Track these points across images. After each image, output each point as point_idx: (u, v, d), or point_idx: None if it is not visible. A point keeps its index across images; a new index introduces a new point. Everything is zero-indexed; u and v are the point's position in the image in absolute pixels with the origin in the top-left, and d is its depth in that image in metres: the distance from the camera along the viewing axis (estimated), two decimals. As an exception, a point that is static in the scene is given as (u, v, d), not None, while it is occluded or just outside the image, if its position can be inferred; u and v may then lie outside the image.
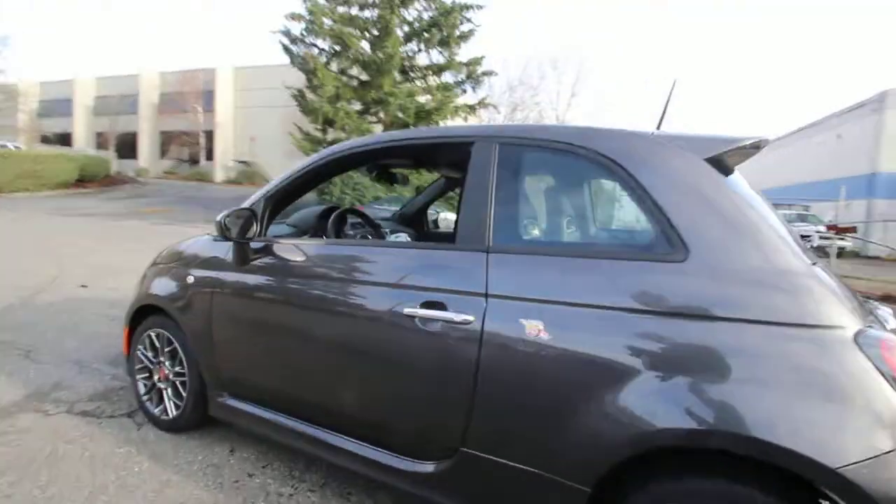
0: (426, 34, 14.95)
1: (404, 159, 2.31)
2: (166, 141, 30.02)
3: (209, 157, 28.64)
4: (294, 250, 1.81)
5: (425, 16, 14.85)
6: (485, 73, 15.14)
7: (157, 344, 2.22)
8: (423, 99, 15.12)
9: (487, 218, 1.47)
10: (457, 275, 1.46)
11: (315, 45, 15.24)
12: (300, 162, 1.94)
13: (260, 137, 26.61)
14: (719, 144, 1.30)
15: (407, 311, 1.47)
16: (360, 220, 2.53)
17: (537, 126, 1.56)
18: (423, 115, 14.05)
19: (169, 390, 2.18)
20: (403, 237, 2.93)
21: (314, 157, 1.90)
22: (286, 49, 15.21)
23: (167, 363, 2.18)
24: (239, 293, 1.90)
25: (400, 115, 14.43)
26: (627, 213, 1.46)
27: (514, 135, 1.55)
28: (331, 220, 2.16)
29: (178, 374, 2.15)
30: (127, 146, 29.46)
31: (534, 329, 1.30)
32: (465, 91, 15.43)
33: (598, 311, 1.25)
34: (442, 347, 1.42)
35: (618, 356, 1.20)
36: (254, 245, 1.87)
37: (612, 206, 1.53)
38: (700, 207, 1.24)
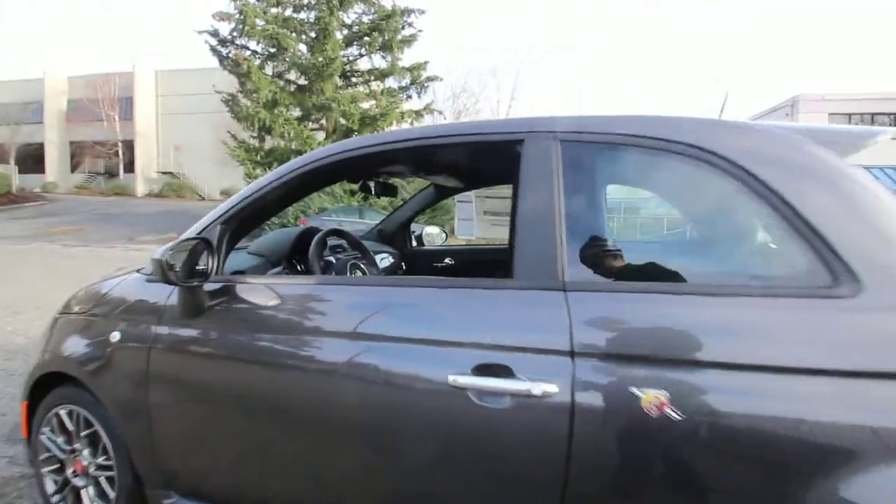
0: (367, 38, 14.45)
1: (410, 165, 1.84)
2: (78, 152, 27.15)
3: (129, 169, 26.19)
4: (267, 293, 1.32)
5: (365, 19, 14.34)
6: (429, 79, 14.85)
7: (69, 426, 1.61)
8: (367, 105, 14.59)
9: (558, 242, 1.07)
10: (523, 324, 1.05)
11: (247, 47, 14.25)
12: (265, 176, 1.45)
13: (187, 146, 24.69)
14: (867, 139, 0.98)
15: (453, 379, 1.03)
16: (341, 241, 2.05)
17: (616, 117, 1.17)
18: (367, 121, 13.51)
19: (90, 489, 1.59)
20: (387, 260, 2.47)
21: (288, 166, 1.41)
22: (214, 51, 14.12)
23: (85, 452, 1.59)
24: (188, 354, 1.38)
25: (343, 121, 13.82)
26: (751, 233, 1.09)
27: (584, 129, 1.16)
28: (314, 247, 1.67)
29: (102, 467, 1.56)
30: (31, 159, 26.36)
31: (654, 403, 0.90)
32: (409, 97, 15.06)
33: (749, 374, 0.88)
34: (511, 433, 0.99)
35: (787, 440, 0.83)
36: (209, 287, 1.35)
37: (726, 224, 1.14)
38: (867, 225, 0.91)
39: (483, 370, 1.03)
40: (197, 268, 1.31)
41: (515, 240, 1.15)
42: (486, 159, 1.69)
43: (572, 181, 1.14)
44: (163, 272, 1.21)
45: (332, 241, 2.00)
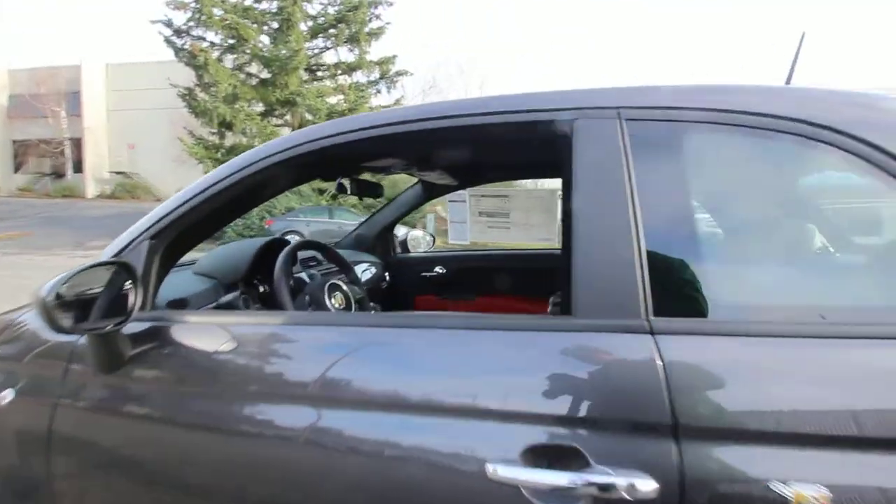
0: (333, 30, 13.87)
1: (408, 155, 1.47)
2: (21, 152, 25.25)
3: (78, 168, 24.54)
4: (216, 335, 0.96)
5: (331, 10, 13.76)
6: (399, 73, 14.41)
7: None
8: (334, 99, 14.03)
9: (636, 262, 0.76)
10: (595, 384, 0.73)
11: (204, 38, 13.44)
12: (215, 171, 1.08)
13: (142, 144, 23.33)
14: None
15: (493, 469, 0.70)
16: (314, 253, 1.68)
17: (707, 87, 0.87)
18: (335, 116, 12.94)
19: None
20: (370, 271, 2.10)
21: (245, 158, 1.04)
22: (169, 42, 13.24)
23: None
24: (105, 419, 1.01)
25: (309, 116, 13.23)
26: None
27: (659, 103, 0.84)
28: (281, 264, 1.30)
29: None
30: (-34, 159, 24.35)
31: (813, 509, 0.60)
32: (378, 91, 14.58)
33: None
34: None
35: None
36: (132, 329, 0.97)
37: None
38: None
39: (538, 455, 0.70)
40: (112, 306, 0.92)
41: (572, 259, 0.82)
42: (514, 147, 1.36)
43: (649, 176, 0.82)
44: (49, 318, 0.82)
45: (303, 254, 1.63)
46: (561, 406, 0.73)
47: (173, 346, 0.98)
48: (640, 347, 0.73)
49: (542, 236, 2.23)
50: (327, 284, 1.37)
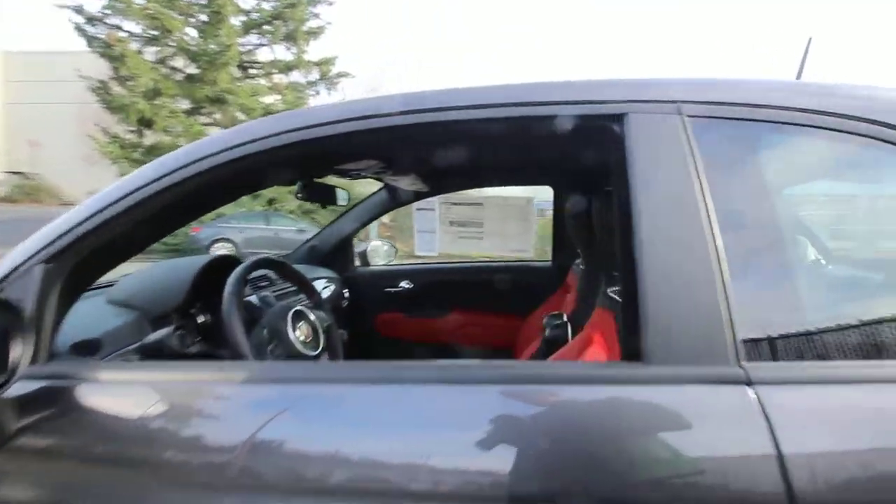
0: (268, 27, 13.18)
1: (398, 155, 1.23)
2: None
3: (-35, 167, 21.49)
4: (146, 396, 0.69)
5: (266, 6, 13.06)
6: (340, 75, 13.95)
7: None
8: (270, 99, 13.32)
9: (719, 294, 0.60)
10: (677, 454, 0.57)
11: (120, 28, 12.24)
12: (139, 173, 0.80)
13: (46, 141, 20.90)
14: None
15: None
16: (269, 272, 1.40)
17: (786, 84, 0.74)
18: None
19: None
20: (328, 289, 1.84)
21: (181, 156, 0.78)
22: (80, 30, 11.93)
23: None
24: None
25: (242, 116, 12.43)
26: None
27: (728, 98, 0.70)
28: (232, 287, 1.02)
29: None
30: None
31: None
32: (318, 93, 14.02)
33: None
34: None
35: None
36: (19, 392, 0.69)
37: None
38: None
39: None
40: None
41: (640, 289, 0.64)
42: (525, 147, 1.17)
43: (724, 187, 0.67)
44: None
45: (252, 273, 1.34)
46: (633, 487, 0.55)
47: (78, 415, 0.70)
48: (736, 402, 0.57)
49: (517, 247, 2.08)
50: (290, 312, 1.11)
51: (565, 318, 1.39)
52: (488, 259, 2.22)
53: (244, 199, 12.16)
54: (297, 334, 1.10)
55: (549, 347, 1.32)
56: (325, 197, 1.56)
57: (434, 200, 2.04)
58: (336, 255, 2.10)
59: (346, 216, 2.09)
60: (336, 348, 1.29)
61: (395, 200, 1.98)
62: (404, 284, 2.11)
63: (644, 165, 0.69)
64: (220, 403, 0.70)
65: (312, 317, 1.18)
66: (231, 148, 0.78)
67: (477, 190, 2.11)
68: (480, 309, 2.09)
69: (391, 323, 2.15)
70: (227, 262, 1.24)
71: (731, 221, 0.66)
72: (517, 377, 0.66)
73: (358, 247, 2.30)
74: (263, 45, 13.62)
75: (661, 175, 0.68)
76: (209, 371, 0.75)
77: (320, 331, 1.19)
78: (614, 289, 1.08)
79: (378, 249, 2.31)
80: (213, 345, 1.07)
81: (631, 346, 0.66)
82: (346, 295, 2.05)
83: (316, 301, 1.33)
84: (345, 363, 0.78)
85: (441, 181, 1.80)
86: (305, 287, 1.34)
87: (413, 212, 2.10)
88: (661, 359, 0.62)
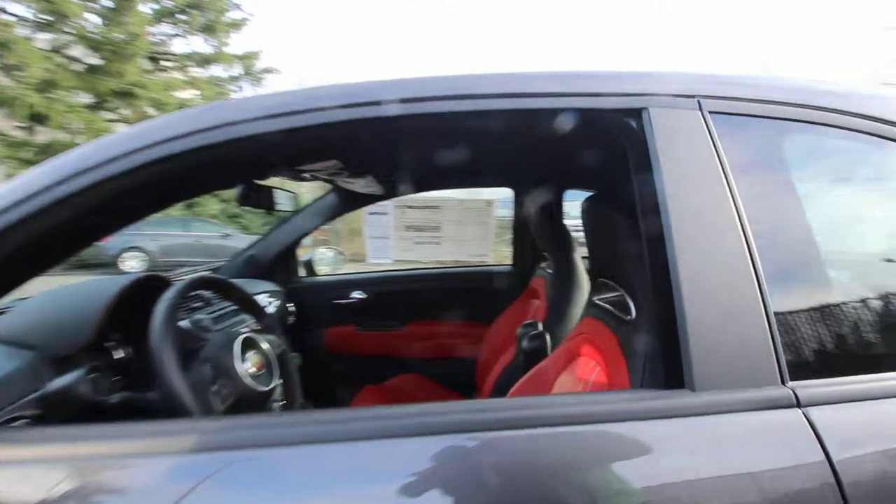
0: (184, 16, 12.19)
1: (371, 152, 1.06)
2: None
3: None
4: (47, 475, 0.50)
5: (180, -7, 12.06)
6: (266, 70, 13.22)
7: None
8: (186, 94, 12.32)
9: (760, 307, 0.54)
10: (732, 490, 0.50)
11: (4, 10, 10.73)
12: (32, 175, 0.61)
13: None
14: None
15: None
16: (207, 291, 1.20)
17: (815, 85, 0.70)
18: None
19: None
20: (272, 305, 1.64)
21: (81, 157, 0.60)
22: (-51, 9, 10.30)
23: None
24: None
25: (154, 111, 11.40)
26: None
27: (749, 95, 0.66)
28: (163, 316, 0.83)
29: None
30: None
31: None
32: (241, 88, 13.19)
33: None
34: None
35: None
36: None
37: None
38: None
39: None
40: None
41: (679, 307, 0.56)
42: (518, 145, 1.07)
43: (756, 190, 0.61)
44: None
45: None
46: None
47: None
48: (787, 425, 0.51)
49: (477, 252, 1.99)
50: (238, 341, 0.92)
51: (541, 328, 1.32)
52: (446, 265, 2.11)
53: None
54: (248, 366, 0.92)
55: (529, 360, 1.23)
56: (269, 202, 1.37)
57: (388, 204, 1.90)
58: (278, 265, 1.89)
59: (288, 222, 1.89)
60: (292, 378, 1.12)
61: (346, 204, 1.81)
62: (356, 295, 1.95)
63: (671, 167, 0.61)
64: (157, 479, 0.53)
65: (265, 344, 1.00)
66: (150, 146, 0.61)
67: (433, 192, 1.99)
68: (439, 318, 1.97)
69: (343, 337, 1.97)
70: (150, 283, 1.02)
71: (764, 231, 0.60)
72: (544, 419, 0.55)
73: (302, 256, 2.09)
74: (178, 35, 12.58)
75: (691, 178, 0.61)
76: (139, 439, 0.57)
77: (273, 360, 1.01)
78: (604, 296, 1.02)
79: (324, 257, 2.12)
80: (138, 388, 0.86)
81: (670, 373, 0.58)
82: (292, 309, 1.85)
83: (266, 324, 1.14)
84: (325, 413, 0.61)
85: (400, 183, 1.67)
86: (252, 308, 1.15)
87: (364, 216, 1.94)
88: (710, 385, 0.55)
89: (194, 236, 9.86)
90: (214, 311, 1.27)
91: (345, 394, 1.96)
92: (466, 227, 1.92)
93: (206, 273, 1.03)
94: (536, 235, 1.62)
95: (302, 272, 2.04)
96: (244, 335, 0.95)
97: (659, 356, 0.66)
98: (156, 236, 9.74)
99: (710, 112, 0.64)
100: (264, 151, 0.76)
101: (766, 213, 0.62)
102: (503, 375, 1.41)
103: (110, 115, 11.88)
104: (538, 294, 1.62)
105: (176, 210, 11.41)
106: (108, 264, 8.89)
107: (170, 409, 0.78)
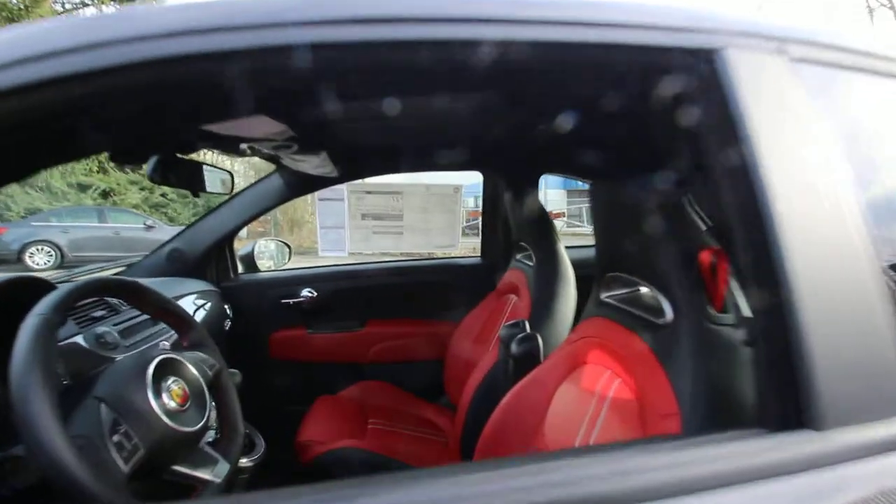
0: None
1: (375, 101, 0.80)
2: None
3: None
4: None
5: None
6: None
7: None
8: None
9: (882, 312, 0.40)
10: None
11: None
12: None
13: None
14: None
15: None
16: (99, 303, 0.92)
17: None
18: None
19: None
20: (202, 308, 1.37)
21: None
22: None
23: None
24: None
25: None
26: None
27: (839, 44, 0.51)
28: (28, 345, 0.56)
29: None
30: None
31: None
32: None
33: None
34: None
35: None
36: None
37: None
38: None
39: None
40: None
41: (797, 320, 0.40)
42: (550, 99, 0.87)
43: (856, 157, 0.47)
44: None
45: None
46: None
47: None
48: None
49: (442, 242, 1.79)
50: (150, 367, 0.67)
51: (528, 328, 1.15)
52: (409, 257, 1.89)
53: (70, 190, 9.92)
54: (166, 401, 0.68)
55: (519, 366, 1.06)
56: (193, 181, 1.09)
57: (342, 189, 1.65)
58: (209, 260, 1.59)
59: (220, 210, 1.59)
60: (230, 405, 0.87)
61: (291, 189, 1.54)
62: (306, 293, 1.69)
63: (764, 127, 0.45)
64: None
65: (190, 367, 0.75)
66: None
67: (393, 176, 1.76)
68: (400, 316, 1.77)
69: (291, 342, 1.72)
70: (26, 288, 0.74)
71: (870, 209, 0.46)
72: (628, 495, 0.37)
73: (239, 249, 1.80)
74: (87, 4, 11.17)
75: (787, 142, 0.45)
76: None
77: (202, 387, 0.77)
78: (617, 294, 0.86)
79: (266, 250, 1.84)
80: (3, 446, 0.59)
81: (776, 402, 0.42)
82: (229, 313, 1.57)
83: (192, 339, 0.88)
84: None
85: (357, 161, 1.43)
86: (173, 318, 0.88)
87: (315, 202, 1.67)
88: (838, 421, 0.39)
89: (112, 228, 8.87)
90: (123, 322, 1.00)
91: (296, 408, 1.71)
92: (432, 215, 1.72)
93: (100, 276, 0.76)
94: (516, 223, 1.46)
95: (239, 268, 1.75)
96: (159, 358, 0.70)
97: (740, 377, 0.50)
98: (66, 228, 8.65)
99: (795, 59, 0.49)
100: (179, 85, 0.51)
101: (868, 188, 0.48)
102: (484, 383, 1.24)
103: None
104: (515, 289, 1.46)
105: (90, 198, 10.25)
106: (9, 261, 7.81)
107: (48, 473, 0.54)
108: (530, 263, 1.41)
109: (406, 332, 1.75)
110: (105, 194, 10.53)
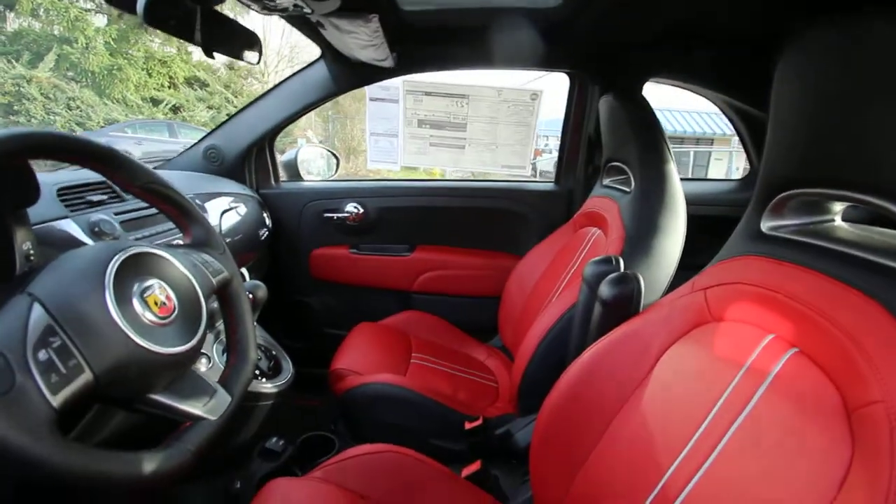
0: None
1: None
2: None
3: None
4: None
5: None
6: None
7: None
8: None
9: None
10: None
11: None
12: None
13: None
14: None
15: None
16: (99, 186, 0.74)
17: None
18: None
19: None
20: (236, 212, 1.21)
21: None
22: None
23: None
24: None
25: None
26: None
27: None
28: None
29: None
30: None
31: None
32: None
33: None
34: None
35: None
36: None
37: None
38: None
39: None
40: None
41: None
42: None
43: None
44: None
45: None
46: None
47: None
48: None
49: (511, 162, 1.51)
50: (115, 260, 0.49)
51: (622, 266, 0.89)
52: (470, 177, 1.63)
53: (144, 105, 10.31)
54: (137, 310, 0.49)
55: (610, 313, 0.81)
56: (196, 29, 0.85)
57: (397, 87, 1.38)
58: (248, 162, 1.41)
59: (259, 103, 1.38)
60: (241, 325, 0.69)
61: (339, 81, 1.29)
62: (351, 208, 1.50)
63: None
64: None
65: (183, 269, 0.57)
66: None
67: (458, 76, 1.45)
68: (455, 244, 1.54)
69: (333, 261, 1.55)
70: None
71: None
72: None
73: (283, 155, 1.61)
74: None
75: None
76: None
77: (201, 297, 0.58)
78: (794, 223, 0.57)
79: (312, 159, 1.64)
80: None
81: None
82: (268, 222, 1.41)
83: (197, 237, 0.69)
84: None
85: (419, 50, 1.14)
86: (171, 207, 0.69)
87: (367, 104, 1.43)
88: None
89: (181, 144, 9.17)
90: (128, 213, 0.83)
91: (334, 332, 1.58)
92: (502, 127, 1.43)
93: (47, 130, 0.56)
94: (613, 138, 1.15)
95: (282, 175, 1.57)
96: (131, 251, 0.51)
97: None
98: (140, 140, 9.07)
99: None
100: None
101: None
102: (555, 329, 1.00)
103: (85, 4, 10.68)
104: (600, 221, 1.18)
105: (161, 113, 10.61)
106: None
107: None
108: (627, 189, 1.11)
109: (459, 261, 1.53)
110: (175, 109, 10.85)
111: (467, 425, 1.07)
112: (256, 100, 1.37)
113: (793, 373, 0.52)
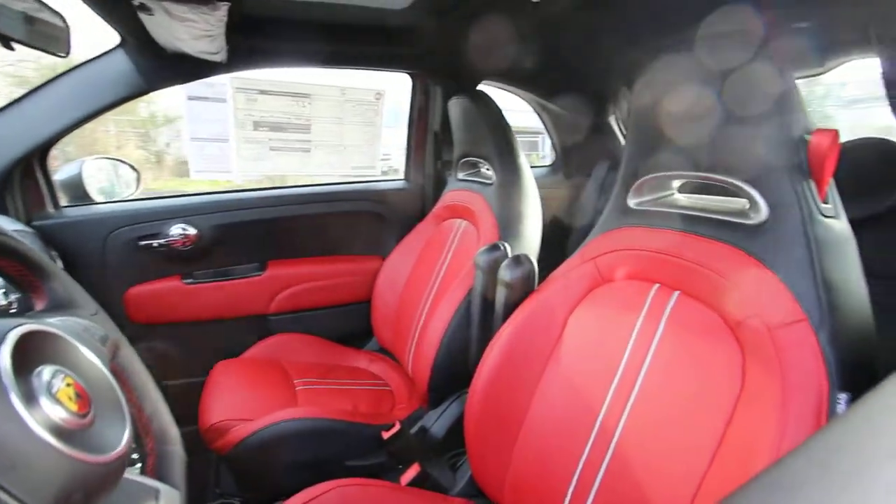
0: None
1: None
2: None
3: None
4: None
5: None
6: None
7: None
8: None
9: None
10: None
11: None
12: None
13: None
14: None
15: None
16: None
17: None
18: None
19: None
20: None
21: None
22: None
23: None
24: None
25: None
26: None
27: None
28: None
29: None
30: None
31: None
32: None
33: None
34: None
35: None
36: None
37: None
38: None
39: None
40: None
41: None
42: None
43: None
44: None
45: None
46: None
47: None
48: None
49: (359, 163, 1.46)
50: (6, 345, 0.32)
51: (510, 251, 0.99)
52: (314, 181, 1.52)
53: None
54: (46, 409, 0.34)
55: (515, 293, 0.90)
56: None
57: (224, 85, 1.18)
58: (8, 185, 1.03)
59: (22, 104, 1.01)
60: (146, 398, 0.53)
61: (147, 76, 1.03)
62: (178, 231, 1.23)
63: None
64: None
65: (78, 345, 0.40)
66: None
67: (296, 75, 1.31)
68: (312, 254, 1.44)
69: (159, 299, 1.26)
70: None
71: None
72: None
73: (57, 171, 1.22)
74: None
75: None
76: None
77: (108, 375, 0.42)
78: (651, 197, 0.73)
79: (103, 171, 1.28)
80: None
81: None
82: (58, 263, 1.06)
83: (56, 296, 0.48)
84: None
85: (265, 40, 0.99)
86: (8, 262, 0.46)
87: (185, 103, 1.17)
88: None
89: None
90: None
91: (178, 381, 1.31)
92: (349, 127, 1.37)
93: None
94: (467, 136, 1.23)
95: (62, 198, 1.19)
96: (20, 330, 0.35)
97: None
98: None
99: None
100: None
101: None
102: (456, 318, 1.05)
103: None
104: (465, 213, 1.26)
105: None
106: None
107: None
108: (487, 181, 1.22)
109: (320, 271, 1.43)
110: None
111: (384, 434, 1.03)
112: (17, 100, 1.00)
113: (681, 309, 0.68)
